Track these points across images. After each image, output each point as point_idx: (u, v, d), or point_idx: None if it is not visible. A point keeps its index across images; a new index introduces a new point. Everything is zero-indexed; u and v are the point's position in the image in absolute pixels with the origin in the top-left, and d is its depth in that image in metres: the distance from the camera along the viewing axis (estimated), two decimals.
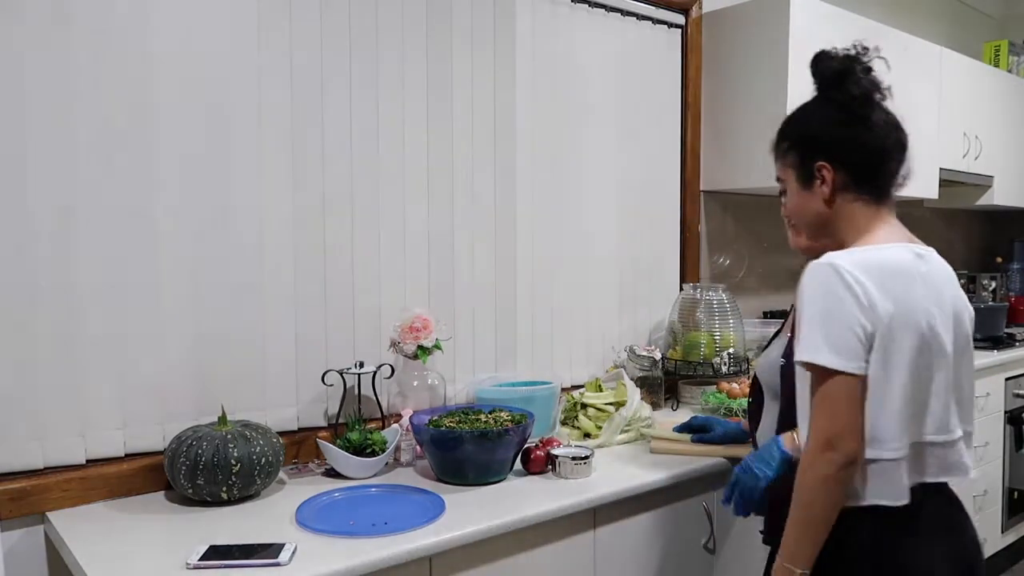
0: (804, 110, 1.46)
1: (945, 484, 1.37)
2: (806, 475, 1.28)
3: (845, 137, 1.38)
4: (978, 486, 3.25)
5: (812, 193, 1.41)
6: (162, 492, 1.70)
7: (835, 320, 1.25)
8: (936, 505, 1.35)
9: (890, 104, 1.42)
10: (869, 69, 1.39)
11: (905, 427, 1.29)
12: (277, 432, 1.78)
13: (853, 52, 1.39)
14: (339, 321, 1.98)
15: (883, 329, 1.26)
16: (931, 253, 1.39)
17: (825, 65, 1.40)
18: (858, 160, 1.38)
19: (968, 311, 1.40)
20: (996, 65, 4.01)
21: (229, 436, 1.62)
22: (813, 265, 1.31)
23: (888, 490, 1.28)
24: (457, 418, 1.84)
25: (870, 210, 1.40)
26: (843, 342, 1.24)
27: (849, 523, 1.30)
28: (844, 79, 1.38)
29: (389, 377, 2.02)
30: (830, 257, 1.30)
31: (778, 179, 1.49)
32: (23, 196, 1.55)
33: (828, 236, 1.43)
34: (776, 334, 1.76)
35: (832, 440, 1.25)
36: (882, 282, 1.27)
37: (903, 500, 1.29)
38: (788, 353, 1.55)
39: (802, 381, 1.34)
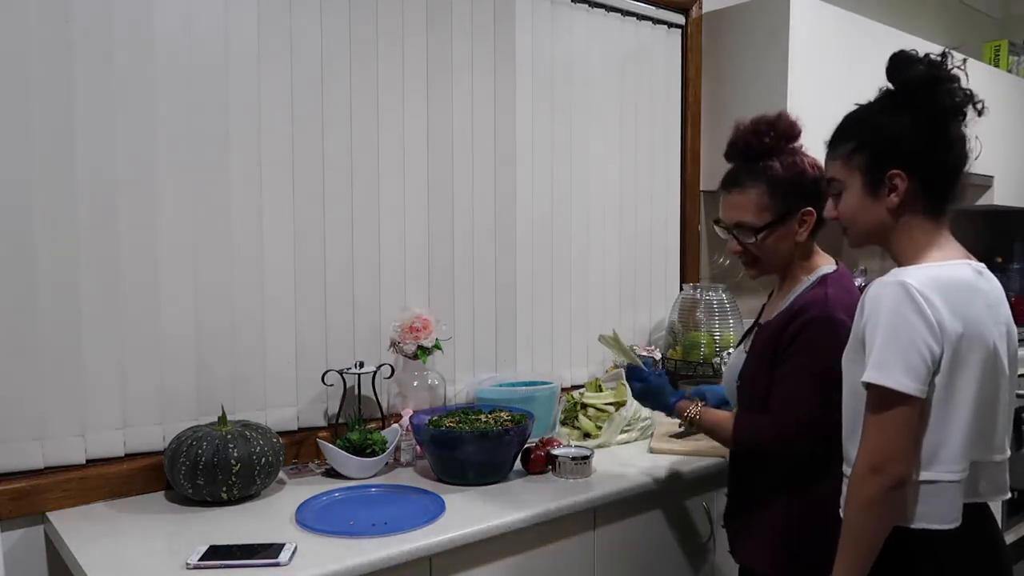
0: (876, 112, 1.36)
1: (986, 503, 1.35)
2: (855, 498, 1.26)
3: (926, 149, 1.30)
4: None
5: (877, 201, 1.34)
6: (162, 492, 1.70)
7: (905, 343, 1.22)
8: (980, 524, 1.33)
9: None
10: (956, 79, 1.31)
11: (968, 448, 1.28)
12: (277, 432, 1.78)
13: (936, 58, 1.31)
14: (339, 321, 1.98)
15: (951, 350, 1.24)
16: (986, 270, 1.36)
17: (912, 70, 1.31)
18: (934, 175, 1.32)
19: (1015, 329, 1.37)
20: (996, 65, 4.01)
21: (229, 436, 1.62)
22: (881, 284, 1.27)
23: (944, 512, 1.27)
24: (457, 418, 1.84)
25: (930, 225, 1.34)
26: (912, 365, 1.22)
27: (902, 545, 1.28)
28: (934, 88, 1.30)
29: (389, 377, 2.02)
30: (900, 275, 1.26)
31: (830, 180, 1.40)
32: (23, 196, 1.55)
33: (882, 246, 1.38)
34: (741, 340, 1.78)
35: (882, 463, 1.23)
36: (951, 301, 1.24)
37: (957, 522, 1.27)
38: (743, 374, 1.62)
39: (852, 398, 1.34)
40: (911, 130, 1.31)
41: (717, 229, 1.69)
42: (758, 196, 1.57)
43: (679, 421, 1.70)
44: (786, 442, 1.51)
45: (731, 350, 1.86)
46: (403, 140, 2.07)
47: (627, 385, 1.80)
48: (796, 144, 1.61)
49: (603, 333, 1.85)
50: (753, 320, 1.75)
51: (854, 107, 1.41)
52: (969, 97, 1.31)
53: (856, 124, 1.38)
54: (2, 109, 1.52)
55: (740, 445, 1.59)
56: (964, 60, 1.33)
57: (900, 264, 1.35)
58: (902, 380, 1.21)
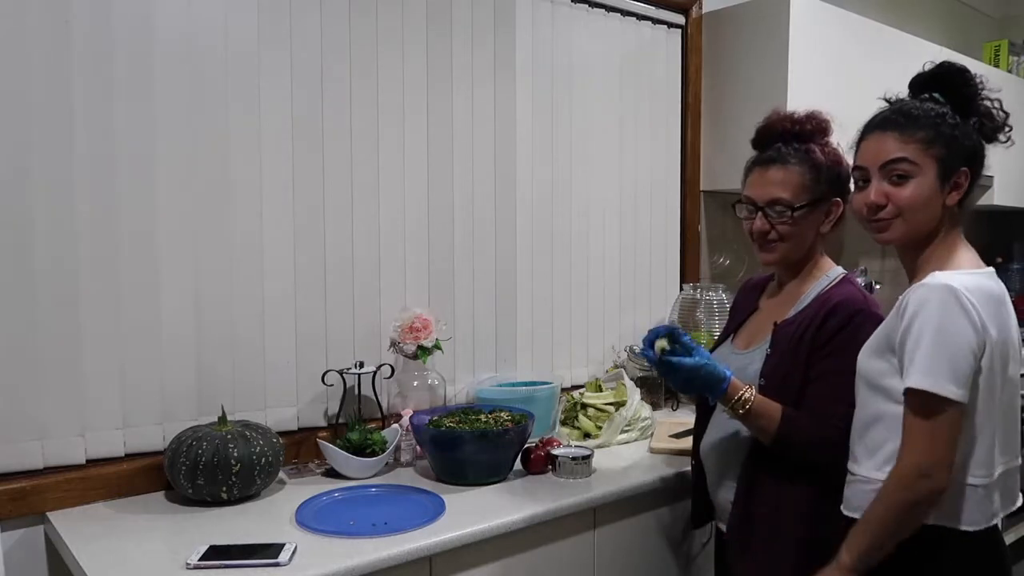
0: (944, 113, 1.35)
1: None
2: (896, 497, 1.26)
3: (982, 156, 1.37)
4: None
5: (941, 194, 1.34)
6: (162, 492, 1.70)
7: (954, 348, 1.22)
8: (996, 528, 1.35)
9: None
10: (998, 101, 1.39)
11: (1000, 452, 1.31)
12: (277, 432, 1.77)
13: (977, 78, 1.38)
14: (339, 321, 1.98)
15: (988, 356, 1.25)
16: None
17: (967, 86, 1.37)
18: (977, 181, 1.37)
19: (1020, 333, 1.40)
20: (996, 65, 4.01)
21: (229, 436, 1.62)
22: (927, 287, 1.26)
23: (977, 515, 1.29)
24: (457, 418, 1.84)
25: (959, 230, 1.38)
26: (960, 372, 1.22)
27: (935, 547, 1.29)
28: (980, 100, 1.37)
29: (389, 377, 2.02)
30: (945, 279, 1.25)
31: (900, 160, 1.33)
32: (23, 197, 1.55)
33: (918, 245, 1.37)
34: (720, 341, 1.75)
35: (931, 468, 1.23)
36: (988, 308, 1.26)
37: (988, 523, 1.30)
38: (767, 373, 1.53)
39: (870, 395, 1.34)
40: (975, 135, 1.36)
41: (739, 209, 1.64)
42: (800, 175, 1.55)
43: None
44: (834, 443, 1.45)
45: (714, 347, 1.79)
46: (403, 139, 2.07)
47: (665, 373, 1.55)
48: (828, 139, 1.62)
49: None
50: (740, 315, 1.72)
51: (903, 99, 1.41)
52: (1006, 117, 1.38)
53: (930, 115, 1.35)
54: (2, 109, 1.52)
55: (786, 441, 1.47)
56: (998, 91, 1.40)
57: (928, 267, 1.34)
58: (951, 387, 1.22)
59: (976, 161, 1.36)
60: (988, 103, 1.37)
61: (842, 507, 1.39)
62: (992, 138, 1.38)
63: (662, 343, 1.51)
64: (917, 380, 1.23)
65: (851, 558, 1.30)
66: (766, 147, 1.62)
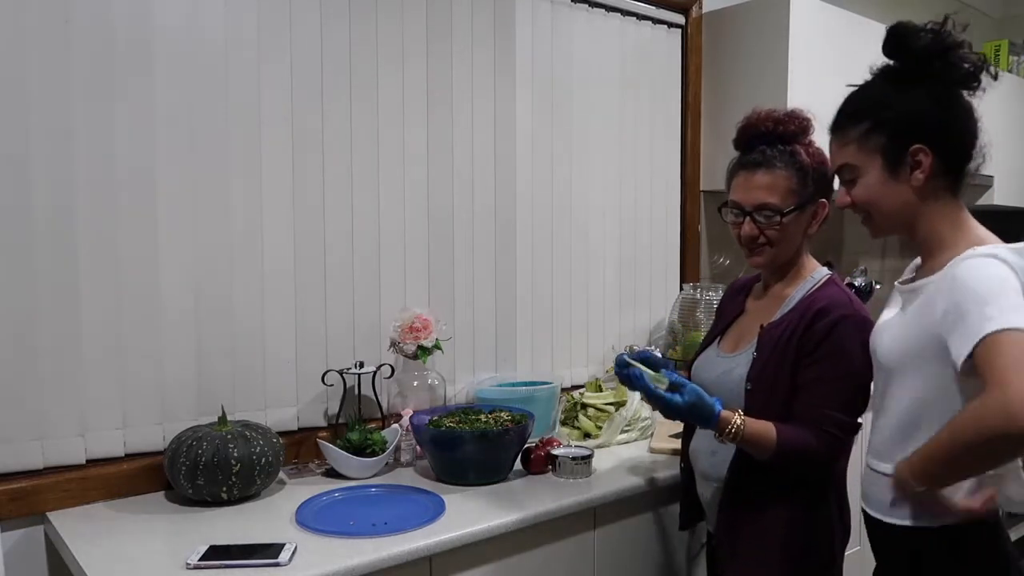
0: (886, 88, 1.30)
1: None
2: (987, 427, 1.10)
3: (946, 119, 1.26)
4: None
5: (899, 181, 1.28)
6: (162, 492, 1.70)
7: (1012, 293, 1.14)
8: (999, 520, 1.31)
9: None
10: (965, 43, 1.25)
11: None
12: (277, 432, 1.77)
13: (937, 27, 1.25)
14: (339, 321, 1.98)
15: None
16: None
17: (920, 40, 1.25)
18: (955, 146, 1.27)
19: None
20: (996, 65, 4.01)
21: (229, 436, 1.62)
22: (971, 259, 1.20)
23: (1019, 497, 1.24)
24: (457, 418, 1.83)
25: (956, 203, 1.29)
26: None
27: (927, 538, 1.27)
28: (946, 55, 1.24)
29: (389, 377, 2.02)
30: (990, 249, 1.20)
31: (844, 167, 1.33)
32: (23, 197, 1.55)
33: (907, 231, 1.32)
34: (707, 344, 1.74)
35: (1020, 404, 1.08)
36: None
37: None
38: (752, 377, 1.51)
39: (916, 397, 1.26)
40: (929, 102, 1.26)
41: (725, 213, 1.62)
42: (787, 179, 1.53)
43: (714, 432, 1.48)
44: (833, 450, 1.46)
45: (699, 350, 1.77)
46: (403, 139, 2.07)
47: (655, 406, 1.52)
48: (811, 138, 1.60)
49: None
50: (726, 318, 1.72)
51: (852, 88, 1.36)
52: (982, 62, 1.26)
53: (868, 103, 1.31)
54: (2, 109, 1.52)
55: (785, 456, 1.45)
56: (965, 27, 1.27)
57: (939, 247, 1.28)
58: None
59: (932, 131, 1.25)
60: (953, 53, 1.25)
61: (866, 505, 1.35)
62: (968, 85, 1.27)
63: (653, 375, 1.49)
64: (987, 325, 1.12)
65: (914, 468, 1.20)
66: (749, 148, 1.59)
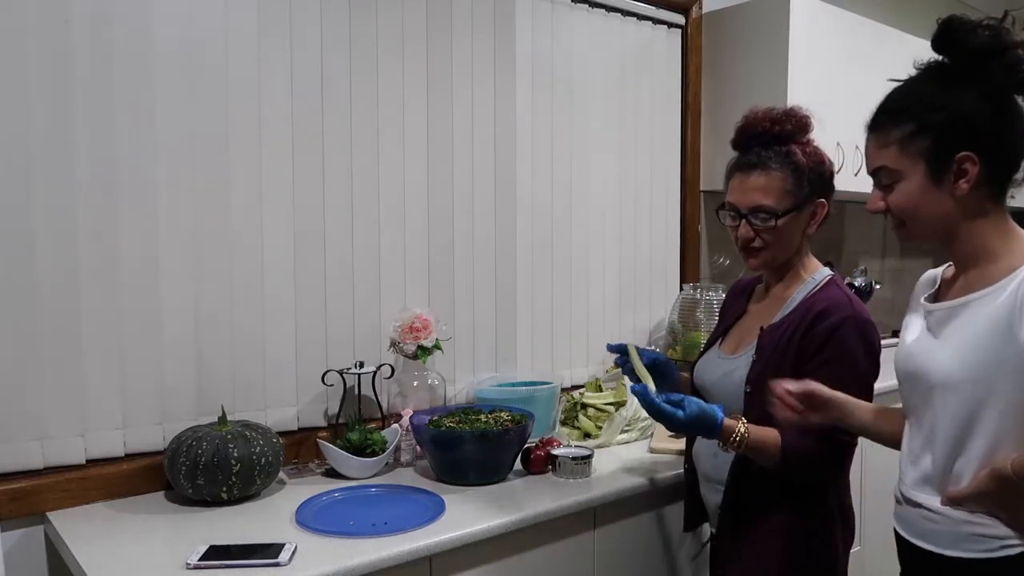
0: (934, 88, 1.19)
1: None
2: None
3: (998, 125, 1.15)
4: None
5: (941, 189, 1.18)
6: (162, 492, 1.70)
7: None
8: None
9: None
10: (1021, 45, 1.14)
11: None
12: (277, 432, 1.77)
13: (996, 23, 1.14)
14: (339, 321, 1.98)
15: None
16: None
17: (976, 38, 1.14)
18: (1005, 155, 1.17)
19: None
20: None
21: (229, 436, 1.62)
22: None
23: None
24: (457, 418, 1.83)
25: (1001, 210, 1.20)
26: None
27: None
28: (1002, 57, 1.14)
29: (389, 377, 2.02)
30: None
31: (880, 169, 1.23)
32: (23, 196, 1.55)
33: (944, 240, 1.23)
34: (709, 345, 1.74)
35: None
36: None
37: None
38: (752, 379, 1.50)
39: (1000, 397, 1.13)
40: (980, 106, 1.15)
41: (723, 215, 1.61)
42: (782, 180, 1.52)
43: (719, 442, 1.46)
44: (840, 456, 1.44)
45: (701, 352, 1.78)
46: (403, 139, 2.07)
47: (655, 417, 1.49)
48: (809, 137, 1.58)
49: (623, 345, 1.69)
50: (728, 319, 1.71)
51: (897, 82, 1.24)
52: None
53: (914, 102, 1.20)
54: (2, 109, 1.52)
55: (790, 464, 1.44)
56: None
57: (987, 258, 1.19)
58: None
59: (982, 138, 1.15)
60: (1011, 53, 1.13)
61: (930, 545, 1.21)
62: (1017, 94, 1.16)
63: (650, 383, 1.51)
64: None
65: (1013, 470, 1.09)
66: (746, 148, 1.58)
